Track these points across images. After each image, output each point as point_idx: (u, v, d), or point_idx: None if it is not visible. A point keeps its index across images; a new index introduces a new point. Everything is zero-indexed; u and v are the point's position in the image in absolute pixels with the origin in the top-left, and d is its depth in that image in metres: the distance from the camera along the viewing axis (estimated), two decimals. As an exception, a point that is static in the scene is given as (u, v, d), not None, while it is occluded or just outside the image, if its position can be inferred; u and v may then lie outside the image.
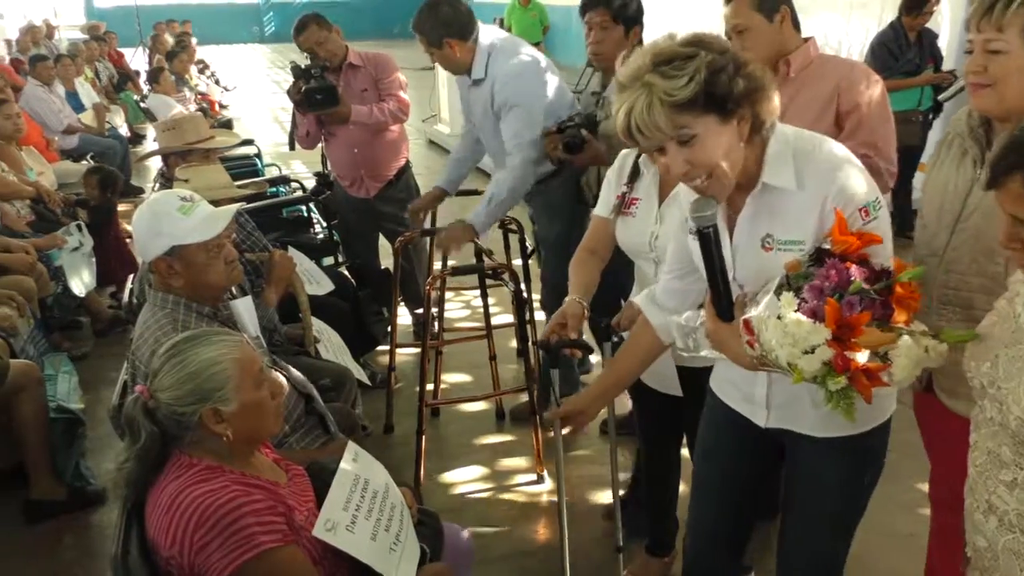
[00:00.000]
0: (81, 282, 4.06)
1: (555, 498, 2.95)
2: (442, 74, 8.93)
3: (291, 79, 3.64)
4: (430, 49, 2.98)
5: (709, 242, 1.38)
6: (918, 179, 5.12)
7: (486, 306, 3.42)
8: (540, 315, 3.42)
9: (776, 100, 1.40)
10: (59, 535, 2.81)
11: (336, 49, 3.64)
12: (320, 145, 4.01)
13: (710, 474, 1.82)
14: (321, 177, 4.39)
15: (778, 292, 1.32)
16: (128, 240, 5.18)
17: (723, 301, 1.42)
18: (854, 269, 1.27)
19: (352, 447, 1.74)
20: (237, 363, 1.51)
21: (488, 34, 3.02)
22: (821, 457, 1.60)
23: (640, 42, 2.74)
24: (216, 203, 2.30)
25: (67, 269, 4.01)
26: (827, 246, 1.33)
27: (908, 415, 2.00)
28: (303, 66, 3.55)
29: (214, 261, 1.99)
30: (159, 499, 1.46)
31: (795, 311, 1.25)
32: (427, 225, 3.56)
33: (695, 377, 2.01)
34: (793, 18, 2.27)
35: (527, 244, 3.43)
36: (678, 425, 2.31)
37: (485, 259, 3.14)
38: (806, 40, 2.32)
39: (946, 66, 5.19)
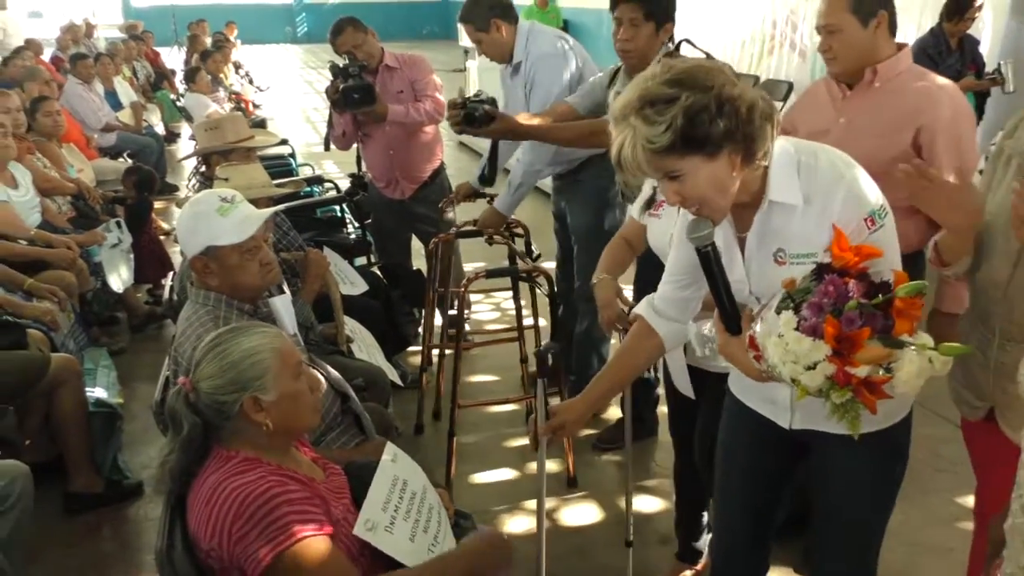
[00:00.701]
0: (119, 278, 4.12)
1: (586, 503, 2.96)
2: (473, 76, 8.95)
3: (323, 80, 3.71)
4: (478, 35, 3.14)
5: (709, 260, 1.40)
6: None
7: (518, 308, 3.42)
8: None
9: (768, 130, 1.36)
10: (97, 527, 2.85)
11: (373, 51, 3.67)
12: (355, 146, 4.04)
13: (732, 476, 1.81)
14: (355, 178, 4.42)
15: (779, 310, 1.33)
16: (163, 238, 5.26)
17: (729, 316, 1.44)
18: (852, 284, 1.27)
19: (391, 447, 1.75)
20: (276, 353, 1.54)
21: (524, 23, 3.22)
22: (851, 454, 1.57)
23: (672, 39, 2.68)
24: (255, 202, 2.33)
25: (106, 265, 4.08)
26: (827, 260, 1.34)
27: (947, 431, 1.98)
28: (341, 65, 3.57)
29: (248, 263, 2.02)
30: (199, 492, 1.48)
31: (795, 329, 1.27)
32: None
33: (707, 379, 2.06)
34: (891, 24, 2.14)
35: (532, 248, 3.46)
36: None
37: (519, 262, 3.15)
38: (900, 48, 2.18)
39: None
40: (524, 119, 2.92)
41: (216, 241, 1.97)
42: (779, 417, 1.64)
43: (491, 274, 3.05)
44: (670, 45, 2.67)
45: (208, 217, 1.97)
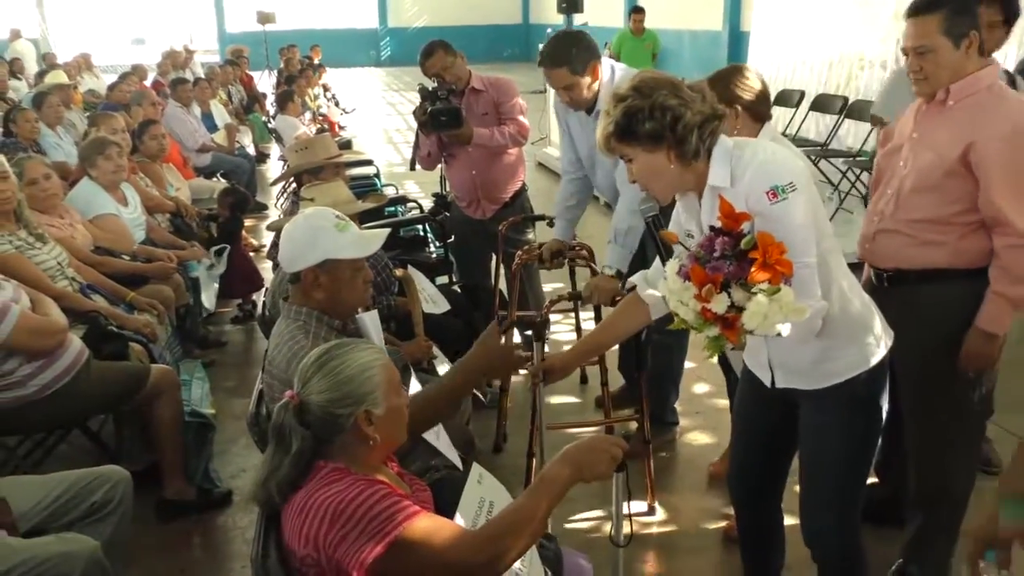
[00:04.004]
0: (210, 298, 4.27)
1: (665, 529, 2.90)
2: (553, 97, 9.01)
3: (405, 102, 3.82)
4: (573, 79, 2.90)
5: (652, 228, 1.97)
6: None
7: (600, 331, 3.39)
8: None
9: (695, 136, 1.70)
10: (188, 534, 2.94)
11: (461, 73, 3.73)
12: (439, 167, 4.12)
13: (738, 425, 2.23)
14: (439, 197, 4.49)
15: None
16: (252, 254, 5.44)
17: None
18: (720, 240, 1.59)
19: (477, 468, 1.76)
20: (384, 369, 1.58)
21: (606, 63, 3.03)
22: (818, 406, 1.92)
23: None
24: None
25: (203, 282, 4.24)
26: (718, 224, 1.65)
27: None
28: (430, 88, 3.65)
29: (356, 279, 2.08)
30: (292, 503, 1.51)
31: (676, 273, 1.64)
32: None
33: None
34: (980, 43, 2.12)
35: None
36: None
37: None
38: (986, 66, 2.14)
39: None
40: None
41: (337, 254, 2.02)
42: (765, 377, 1.98)
43: (573, 298, 3.03)
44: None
45: (328, 232, 2.03)
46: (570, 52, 2.89)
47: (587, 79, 2.92)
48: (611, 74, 3.00)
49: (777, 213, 1.65)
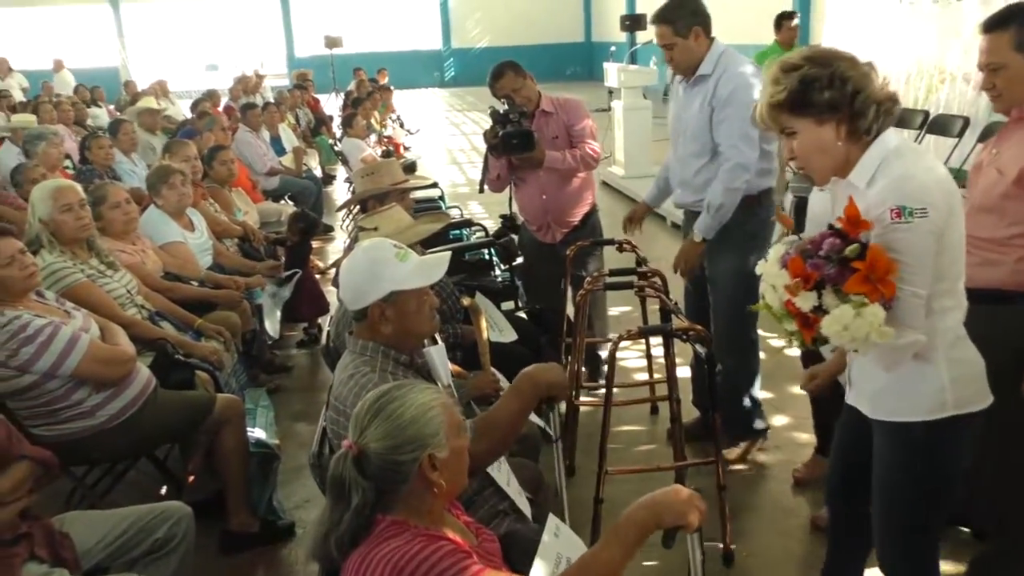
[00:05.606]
0: (273, 325, 4.25)
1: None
2: (617, 115, 8.89)
3: (469, 122, 3.79)
4: (674, 39, 3.06)
5: (801, 209, 1.93)
6: None
7: (671, 367, 3.18)
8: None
9: (873, 112, 1.63)
10: (253, 567, 2.89)
11: (530, 95, 3.66)
12: (508, 189, 4.04)
13: (836, 435, 2.15)
14: (506, 219, 4.39)
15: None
16: (319, 276, 5.45)
17: None
18: (830, 240, 1.58)
19: (553, 520, 1.65)
20: (446, 408, 1.50)
21: (719, 43, 3.14)
22: (878, 435, 1.87)
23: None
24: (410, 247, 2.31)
25: (266, 310, 4.23)
26: (838, 225, 1.63)
27: None
28: (501, 111, 3.58)
29: (422, 308, 1.99)
30: (350, 562, 1.44)
31: (778, 258, 1.66)
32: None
33: None
34: None
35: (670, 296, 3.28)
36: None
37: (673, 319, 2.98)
38: None
39: None
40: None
41: (403, 286, 1.94)
42: (848, 390, 1.96)
43: (644, 332, 2.89)
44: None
45: (390, 263, 1.95)
46: (676, 12, 3.06)
47: (688, 42, 3.06)
48: (720, 53, 3.09)
49: (894, 234, 1.59)
